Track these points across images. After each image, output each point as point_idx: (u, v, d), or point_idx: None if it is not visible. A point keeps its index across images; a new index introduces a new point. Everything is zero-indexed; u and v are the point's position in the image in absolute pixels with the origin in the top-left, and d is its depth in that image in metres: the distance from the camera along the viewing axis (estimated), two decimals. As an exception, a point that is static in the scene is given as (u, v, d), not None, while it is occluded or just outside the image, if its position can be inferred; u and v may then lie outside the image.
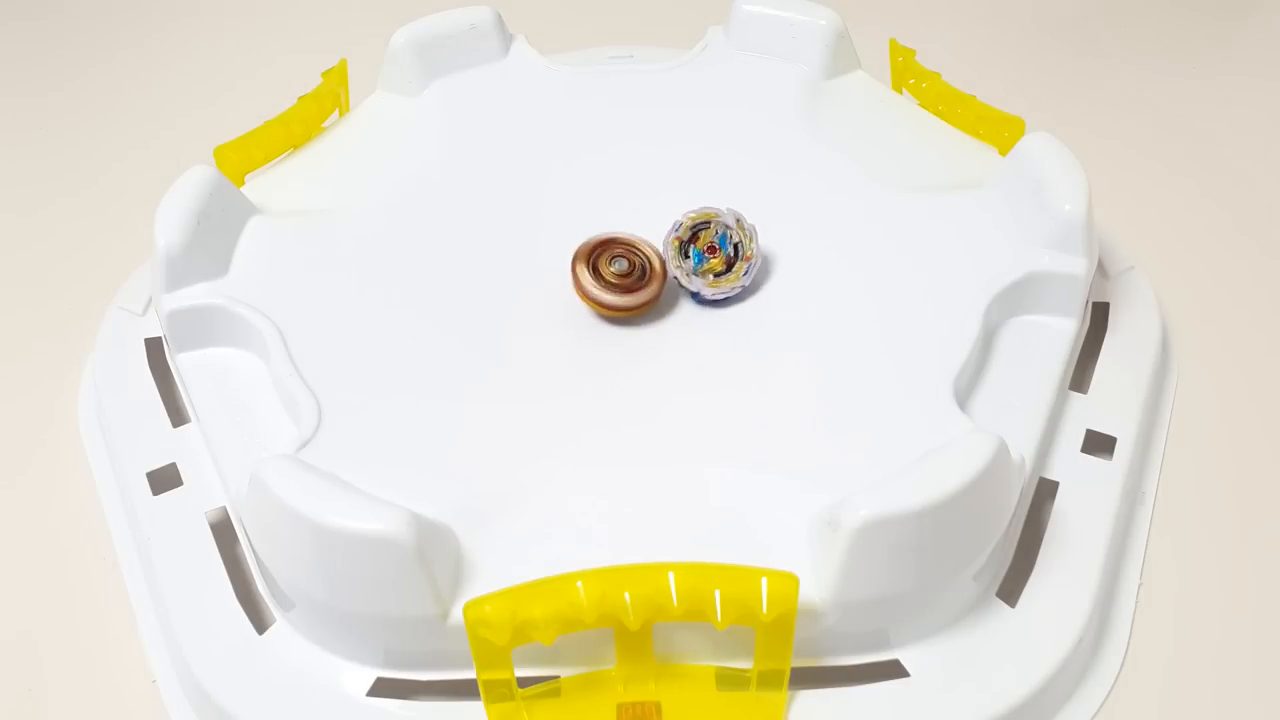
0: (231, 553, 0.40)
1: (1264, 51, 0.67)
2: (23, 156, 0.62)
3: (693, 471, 0.38)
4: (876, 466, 0.36)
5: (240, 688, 0.36)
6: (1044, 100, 0.63)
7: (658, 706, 0.35)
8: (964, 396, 0.40)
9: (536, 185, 0.48)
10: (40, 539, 0.44)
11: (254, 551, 0.37)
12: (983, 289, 0.42)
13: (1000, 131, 0.49)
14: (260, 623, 0.38)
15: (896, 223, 0.45)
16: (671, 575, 0.33)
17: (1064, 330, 0.43)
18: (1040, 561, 0.39)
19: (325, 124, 0.52)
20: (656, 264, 0.43)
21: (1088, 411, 0.43)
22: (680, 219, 0.43)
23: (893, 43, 0.54)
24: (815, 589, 0.35)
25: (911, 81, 0.53)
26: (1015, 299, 0.43)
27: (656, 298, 0.43)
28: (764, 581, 0.33)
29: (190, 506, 0.41)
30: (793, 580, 0.33)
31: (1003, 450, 0.35)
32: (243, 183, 0.48)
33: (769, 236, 0.45)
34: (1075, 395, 0.44)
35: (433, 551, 0.34)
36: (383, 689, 0.36)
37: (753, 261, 0.43)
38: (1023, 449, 0.39)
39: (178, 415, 0.44)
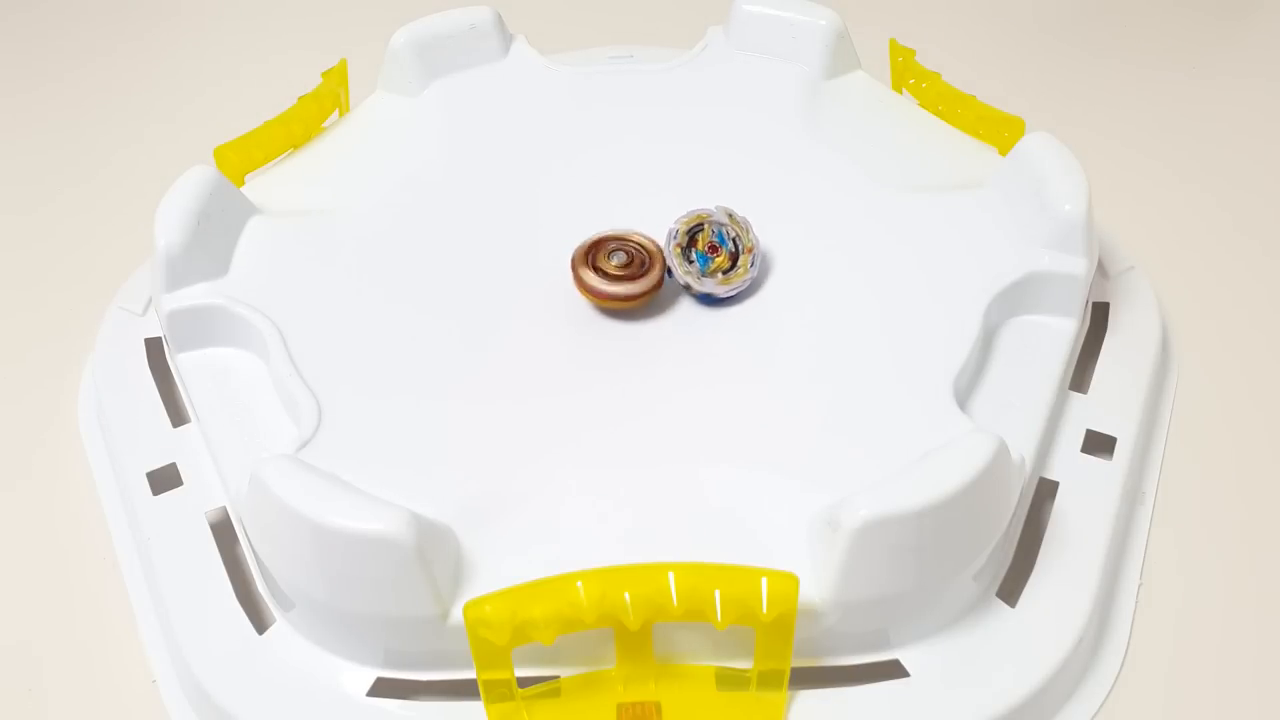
0: (231, 553, 0.40)
1: (1264, 51, 0.67)
2: (22, 156, 0.62)
3: (692, 471, 0.38)
4: (876, 466, 0.36)
5: (240, 688, 0.36)
6: (1044, 100, 0.63)
7: (658, 706, 0.35)
8: (964, 396, 0.40)
9: (536, 185, 0.48)
10: (40, 539, 0.44)
11: (254, 551, 0.37)
12: (983, 289, 0.42)
13: (1000, 131, 0.49)
14: (260, 623, 0.38)
15: (896, 223, 0.45)
16: (671, 575, 0.33)
17: (1064, 330, 0.43)
18: (1040, 561, 0.39)
19: (325, 124, 0.52)
20: (654, 253, 0.43)
21: (1088, 411, 0.43)
22: (674, 225, 0.43)
23: (893, 43, 0.54)
24: (815, 589, 0.35)
25: (911, 81, 0.53)
26: (1015, 299, 0.43)
27: (658, 285, 0.43)
28: (764, 581, 0.33)
29: (190, 506, 0.41)
30: (793, 580, 0.33)
31: (1003, 450, 0.35)
32: (243, 183, 0.48)
33: (769, 236, 0.45)
34: (1075, 395, 0.44)
35: (433, 551, 0.34)
36: (383, 689, 0.36)
37: (755, 252, 0.43)
38: (1023, 449, 0.39)
39: (178, 415, 0.44)
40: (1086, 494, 0.41)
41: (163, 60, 0.69)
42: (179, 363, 0.43)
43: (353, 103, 0.53)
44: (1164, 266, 0.52)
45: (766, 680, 0.35)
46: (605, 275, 0.42)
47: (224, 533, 0.40)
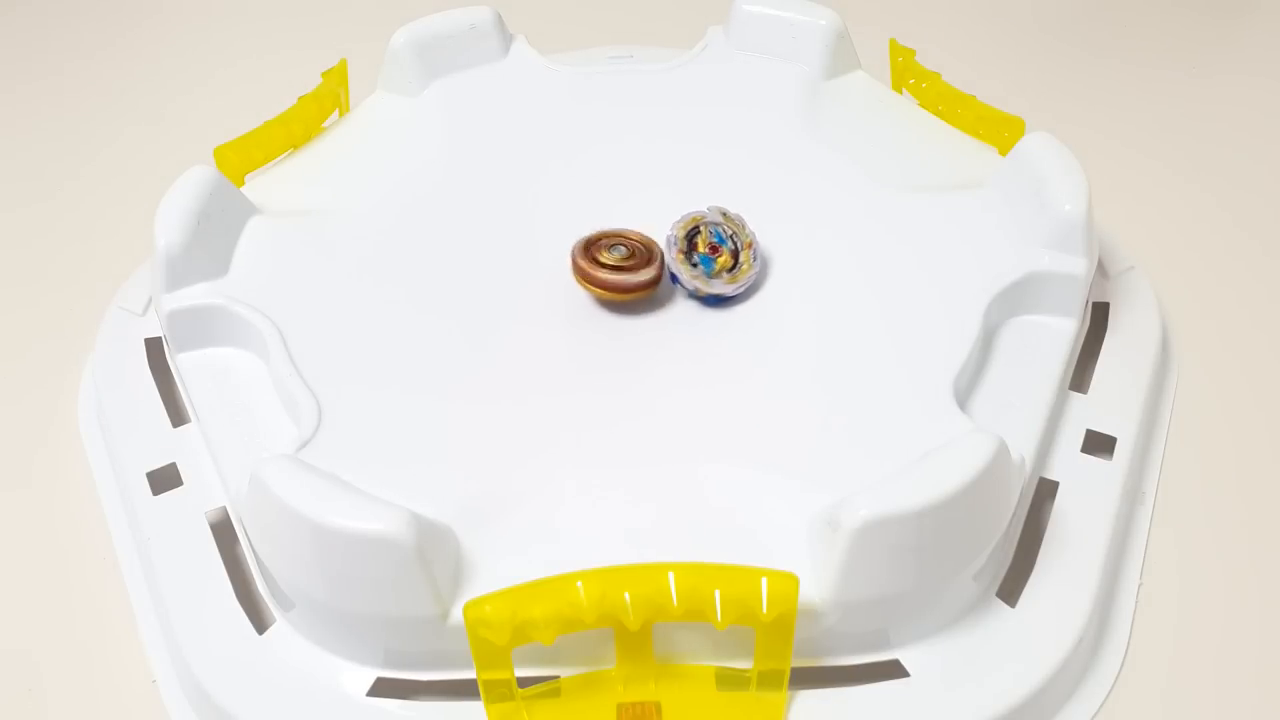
0: (231, 553, 0.40)
1: (1264, 51, 0.67)
2: (22, 156, 0.62)
3: (692, 471, 0.38)
4: (876, 466, 0.36)
5: (240, 688, 0.36)
6: (1044, 100, 0.63)
7: (658, 706, 0.35)
8: (964, 396, 0.40)
9: (536, 185, 0.48)
10: (40, 539, 0.44)
11: (254, 551, 0.37)
12: (983, 289, 0.42)
13: (1000, 131, 0.49)
14: (260, 623, 0.38)
15: (896, 222, 0.45)
16: (671, 575, 0.33)
17: (1064, 330, 0.43)
18: (1040, 561, 0.39)
19: (325, 124, 0.52)
20: (654, 248, 0.43)
21: (1088, 411, 0.43)
22: (671, 232, 0.43)
23: (893, 43, 0.54)
24: (815, 589, 0.35)
25: (911, 81, 0.53)
26: (1015, 299, 0.43)
27: (658, 278, 0.43)
28: (764, 581, 0.33)
29: (190, 506, 0.41)
30: (793, 580, 0.33)
31: (1003, 450, 0.35)
32: (243, 183, 0.48)
33: (769, 236, 0.45)
34: (1075, 395, 0.44)
35: (433, 551, 0.34)
36: (383, 689, 0.36)
37: (754, 247, 0.43)
38: (1023, 449, 0.39)
39: (178, 415, 0.44)
40: (1086, 494, 0.41)
41: (163, 60, 0.69)
42: (179, 363, 0.43)
43: (353, 103, 0.53)
44: (1164, 266, 0.52)
45: (766, 680, 0.35)
46: (606, 267, 0.42)
47: (224, 533, 0.40)
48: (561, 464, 0.38)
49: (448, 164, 0.49)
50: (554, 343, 0.42)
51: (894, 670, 0.36)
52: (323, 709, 0.36)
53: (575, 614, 0.33)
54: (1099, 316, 0.47)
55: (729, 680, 0.35)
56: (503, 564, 0.36)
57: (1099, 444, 0.42)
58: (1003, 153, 0.48)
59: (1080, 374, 0.45)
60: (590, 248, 0.43)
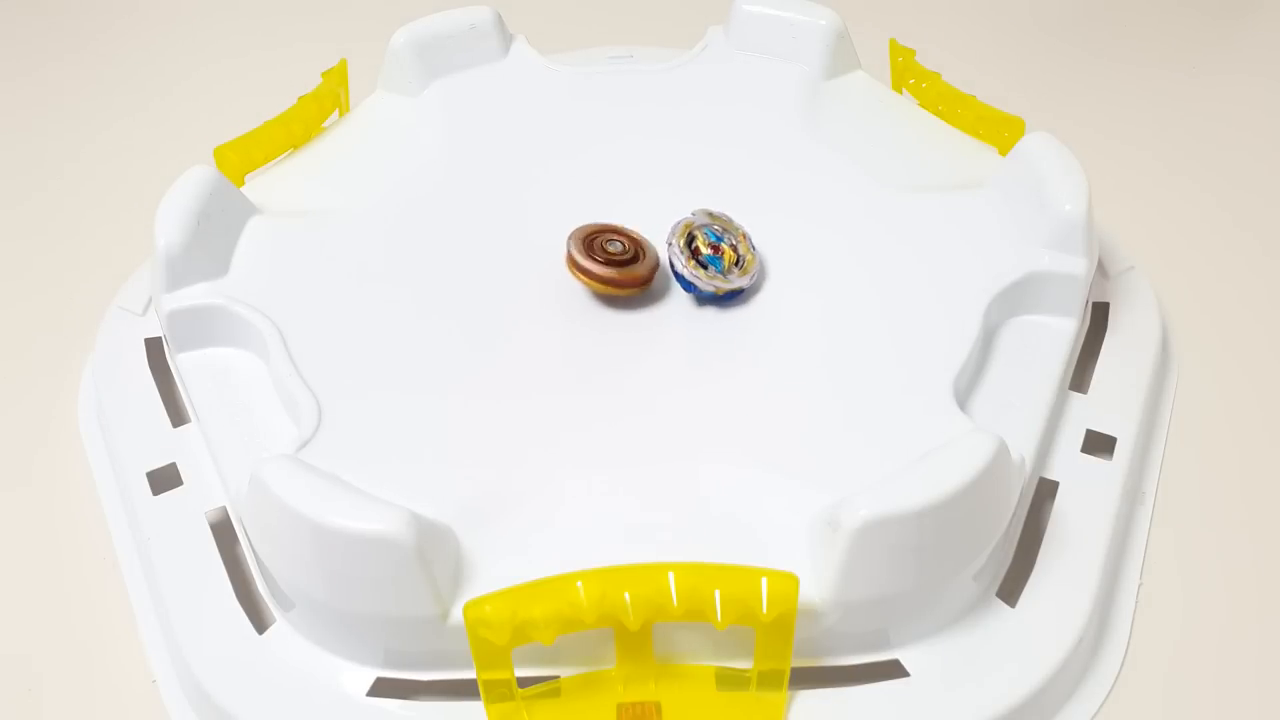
0: (231, 553, 0.40)
1: (1264, 51, 0.67)
2: (22, 155, 0.62)
3: (691, 471, 0.38)
4: (876, 466, 0.36)
5: (240, 688, 0.36)
6: (1044, 100, 0.63)
7: (658, 706, 0.35)
8: (964, 396, 0.40)
9: (536, 185, 0.48)
10: (40, 539, 0.44)
11: (254, 551, 0.37)
12: (983, 288, 0.42)
13: (1000, 131, 0.49)
14: (260, 623, 0.38)
15: (896, 222, 0.45)
16: (671, 575, 0.33)
17: (1064, 330, 0.43)
18: (1040, 561, 0.39)
19: (325, 124, 0.52)
20: (646, 244, 0.44)
21: (1088, 411, 0.43)
22: (671, 241, 0.43)
23: (893, 43, 0.54)
24: (815, 589, 0.35)
25: (911, 81, 0.53)
26: (1015, 299, 0.43)
27: (654, 272, 0.43)
28: (764, 581, 0.33)
29: (190, 506, 0.41)
30: (793, 580, 0.33)
31: (1003, 450, 0.35)
32: (243, 183, 0.48)
33: (769, 236, 0.45)
34: (1075, 395, 0.44)
35: (433, 551, 0.34)
36: (383, 689, 0.36)
37: (748, 238, 0.44)
38: (1023, 449, 0.39)
39: (178, 415, 0.44)
40: (1086, 494, 0.41)
41: (163, 60, 0.69)
42: (179, 363, 0.43)
43: (353, 103, 0.53)
44: (1164, 266, 0.52)
45: (766, 680, 0.35)
46: (601, 260, 0.42)
47: (224, 533, 0.40)
48: (562, 463, 0.38)
49: (448, 164, 0.49)
50: (554, 342, 0.42)
51: (894, 670, 0.36)
52: (323, 709, 0.36)
53: (575, 614, 0.33)
54: (1099, 316, 0.47)
55: (729, 680, 0.35)
56: (503, 564, 0.36)
57: (1099, 444, 0.42)
58: (1003, 153, 0.48)
59: (1080, 374, 0.45)
60: (584, 243, 0.43)
